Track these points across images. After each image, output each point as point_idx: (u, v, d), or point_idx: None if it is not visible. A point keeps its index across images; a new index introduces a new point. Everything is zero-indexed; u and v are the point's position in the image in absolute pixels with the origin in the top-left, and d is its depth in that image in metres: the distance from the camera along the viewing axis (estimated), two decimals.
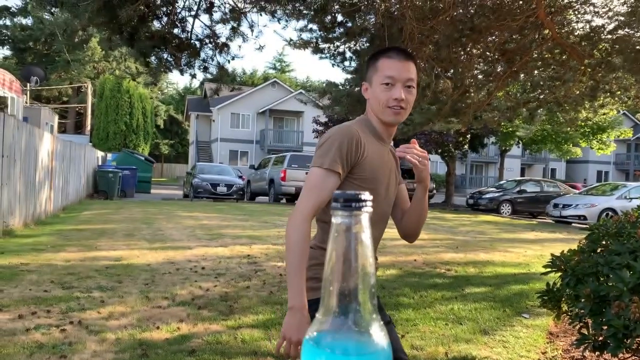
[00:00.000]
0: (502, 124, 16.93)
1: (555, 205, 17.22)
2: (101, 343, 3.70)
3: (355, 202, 0.58)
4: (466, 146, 23.93)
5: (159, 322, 4.21)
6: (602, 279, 2.76)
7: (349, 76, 9.13)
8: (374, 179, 1.77)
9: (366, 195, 0.58)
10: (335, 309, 0.57)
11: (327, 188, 1.65)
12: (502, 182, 23.14)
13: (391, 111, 1.78)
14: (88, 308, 4.52)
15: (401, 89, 1.76)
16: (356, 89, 8.88)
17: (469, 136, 22.91)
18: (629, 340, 2.43)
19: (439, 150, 22.99)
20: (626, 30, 7.02)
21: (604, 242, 3.05)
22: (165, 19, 5.92)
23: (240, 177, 21.23)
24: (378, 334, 0.56)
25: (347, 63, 7.73)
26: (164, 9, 5.82)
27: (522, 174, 41.56)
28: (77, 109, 43.34)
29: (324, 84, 11.48)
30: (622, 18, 6.84)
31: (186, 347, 3.70)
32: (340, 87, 9.59)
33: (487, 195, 20.61)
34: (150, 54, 6.11)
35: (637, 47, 7.00)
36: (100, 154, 22.31)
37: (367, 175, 1.74)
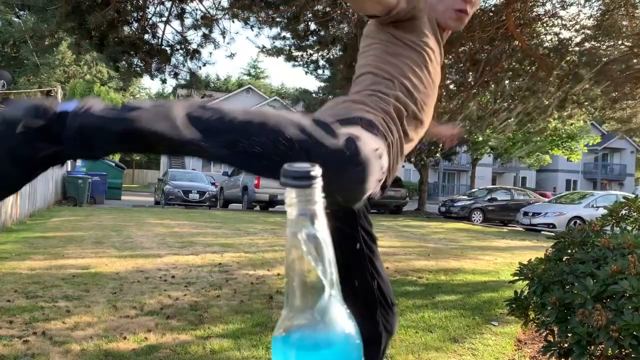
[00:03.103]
0: (474, 133, 17.20)
1: (525, 214, 17.51)
2: (65, 354, 3.61)
3: (306, 179, 0.56)
4: (438, 155, 24.21)
5: (126, 332, 4.13)
6: (567, 287, 2.81)
7: (322, 84, 9.16)
8: (430, 59, 1.51)
9: (317, 189, 0.57)
10: (299, 304, 0.57)
11: None
12: (473, 190, 23.47)
13: (454, 14, 1.53)
14: (53, 318, 4.40)
15: None
16: (329, 97, 8.91)
17: (441, 145, 23.17)
18: (592, 347, 2.47)
19: (412, 159, 23.20)
20: (592, 43, 7.21)
21: (569, 251, 3.10)
22: (135, 24, 5.86)
23: (213, 184, 21.07)
24: (345, 322, 0.57)
25: (320, 71, 7.75)
26: (135, 14, 5.76)
27: (494, 182, 42.19)
28: None
29: (297, 92, 11.50)
30: (589, 31, 7.03)
31: (154, 357, 3.63)
32: (314, 95, 9.61)
33: (459, 203, 20.86)
34: (120, 59, 6.03)
35: (603, 60, 7.19)
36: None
37: (424, 52, 1.48)
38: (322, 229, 0.57)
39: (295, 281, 0.57)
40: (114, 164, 22.81)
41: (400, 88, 1.46)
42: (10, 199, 10.64)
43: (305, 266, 0.57)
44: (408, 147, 1.53)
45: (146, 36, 6.03)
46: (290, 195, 0.57)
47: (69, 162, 14.51)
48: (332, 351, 0.56)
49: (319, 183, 0.57)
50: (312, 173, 0.57)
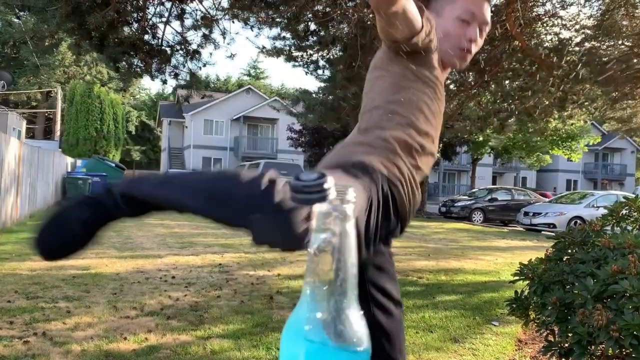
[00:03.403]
0: (474, 133, 17.22)
1: (526, 214, 17.51)
2: (66, 355, 3.61)
3: (341, 191, 0.57)
4: (438, 154, 24.20)
5: (127, 333, 4.13)
6: (567, 287, 2.80)
7: (322, 84, 9.16)
8: (439, 96, 1.52)
9: (351, 189, 0.57)
10: (317, 298, 0.57)
11: (418, 15, 1.34)
12: (474, 191, 23.44)
13: (460, 53, 1.52)
14: (53, 319, 4.41)
15: (477, 30, 1.52)
16: (329, 97, 8.91)
17: (441, 145, 23.19)
18: (592, 347, 2.47)
19: None
20: (593, 43, 7.20)
21: (569, 251, 3.10)
22: (135, 25, 5.85)
23: None
24: (357, 325, 0.57)
25: (320, 71, 7.75)
26: (135, 15, 5.75)
27: (494, 183, 42.17)
28: (46, 114, 42.54)
29: (297, 92, 11.50)
30: (589, 31, 7.02)
31: (154, 357, 3.64)
32: (314, 95, 9.61)
33: (460, 203, 20.85)
34: (121, 59, 6.03)
35: (604, 60, 7.18)
36: (70, 160, 21.89)
37: (435, 87, 1.49)
38: (349, 228, 0.57)
39: (315, 277, 0.57)
40: (114, 165, 22.80)
41: (411, 122, 1.45)
42: (10, 201, 10.64)
43: (325, 265, 0.57)
44: (420, 178, 1.52)
45: (146, 37, 6.02)
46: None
47: (68, 164, 14.50)
48: (342, 353, 0.56)
49: (333, 190, 0.57)
50: (325, 185, 0.56)
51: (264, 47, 6.81)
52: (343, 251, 0.57)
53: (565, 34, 7.29)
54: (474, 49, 1.54)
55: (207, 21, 6.01)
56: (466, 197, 21.78)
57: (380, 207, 1.30)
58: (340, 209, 0.56)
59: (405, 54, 1.43)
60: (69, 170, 20.52)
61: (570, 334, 2.57)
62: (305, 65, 7.45)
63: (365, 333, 0.58)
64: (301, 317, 0.58)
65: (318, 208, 0.57)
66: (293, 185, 0.57)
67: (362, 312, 0.59)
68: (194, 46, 6.38)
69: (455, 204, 20.91)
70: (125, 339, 3.98)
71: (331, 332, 0.56)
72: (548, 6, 6.88)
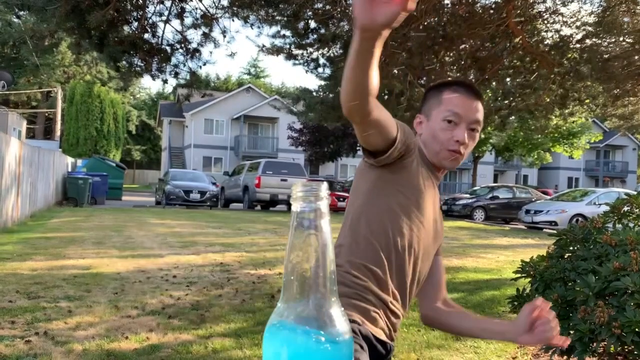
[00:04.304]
0: None
1: (527, 211, 17.49)
2: (67, 354, 3.61)
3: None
4: None
5: (128, 332, 4.13)
6: (569, 284, 2.80)
7: (322, 83, 9.15)
8: (419, 202, 1.48)
9: (324, 185, 0.59)
10: (296, 295, 0.58)
11: (393, 122, 1.34)
12: (475, 189, 23.42)
13: (448, 154, 1.52)
14: (54, 318, 4.40)
15: (465, 131, 1.51)
16: (330, 95, 8.90)
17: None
18: (594, 344, 2.46)
19: None
20: (594, 40, 7.19)
21: (571, 248, 3.09)
22: (135, 24, 5.85)
23: (214, 183, 21.05)
24: (339, 317, 0.58)
25: (320, 69, 7.74)
26: (134, 13, 5.75)
27: (495, 181, 42.12)
28: (46, 114, 42.55)
29: (297, 90, 11.49)
30: (590, 28, 7.00)
31: (155, 357, 3.63)
32: (314, 93, 9.60)
33: (461, 202, 20.82)
34: (121, 58, 6.02)
35: (605, 57, 7.16)
36: (70, 160, 21.90)
37: (412, 194, 1.47)
38: (324, 225, 0.58)
39: (294, 274, 0.58)
40: (114, 164, 22.82)
41: (380, 242, 1.43)
42: (11, 201, 10.65)
43: (304, 260, 0.58)
44: (400, 299, 1.48)
45: (146, 35, 6.01)
46: (296, 190, 0.58)
47: (69, 163, 14.43)
48: (324, 345, 0.56)
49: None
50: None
51: (264, 46, 6.80)
52: (321, 247, 0.58)
53: (566, 31, 7.28)
54: (463, 150, 1.53)
55: (207, 19, 6.01)
56: (467, 195, 21.76)
57: (366, 350, 1.32)
58: (315, 206, 0.58)
59: (382, 166, 1.43)
60: (70, 170, 20.54)
61: (571, 331, 2.57)
62: (306, 64, 7.43)
63: (346, 326, 0.58)
64: (283, 314, 0.58)
65: (293, 207, 0.59)
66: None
67: (342, 309, 0.59)
68: (194, 45, 6.37)
69: (457, 202, 20.88)
70: (126, 338, 3.98)
71: (313, 327, 0.57)
72: (549, 3, 6.87)
